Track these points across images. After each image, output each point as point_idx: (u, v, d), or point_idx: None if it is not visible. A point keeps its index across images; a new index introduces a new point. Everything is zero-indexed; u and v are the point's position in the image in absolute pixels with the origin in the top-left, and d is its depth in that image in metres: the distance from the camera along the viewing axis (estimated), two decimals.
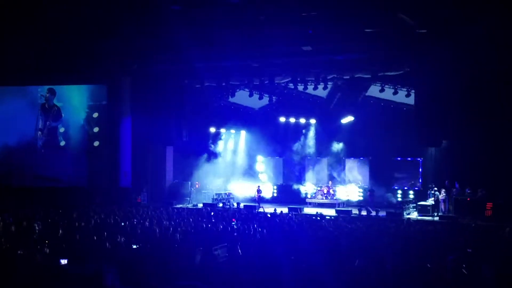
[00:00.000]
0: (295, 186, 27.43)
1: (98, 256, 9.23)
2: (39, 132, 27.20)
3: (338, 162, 27.29)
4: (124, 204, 22.49)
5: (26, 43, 22.34)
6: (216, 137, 29.24)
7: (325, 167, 27.65)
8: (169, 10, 18.55)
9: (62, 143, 27.03)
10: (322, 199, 25.71)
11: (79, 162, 26.73)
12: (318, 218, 18.03)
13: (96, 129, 26.63)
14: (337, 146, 26.58)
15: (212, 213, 18.66)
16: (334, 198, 25.50)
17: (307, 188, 26.77)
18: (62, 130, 27.05)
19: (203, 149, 28.30)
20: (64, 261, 8.83)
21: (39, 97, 27.26)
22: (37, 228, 13.73)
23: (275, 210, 20.69)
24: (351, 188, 26.20)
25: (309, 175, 28.09)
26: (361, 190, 26.13)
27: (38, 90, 27.31)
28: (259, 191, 25.99)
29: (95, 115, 26.66)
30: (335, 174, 27.10)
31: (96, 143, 26.57)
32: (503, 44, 18.36)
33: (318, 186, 26.58)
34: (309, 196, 26.53)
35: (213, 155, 28.46)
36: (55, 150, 27.08)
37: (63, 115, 26.98)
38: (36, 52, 23.32)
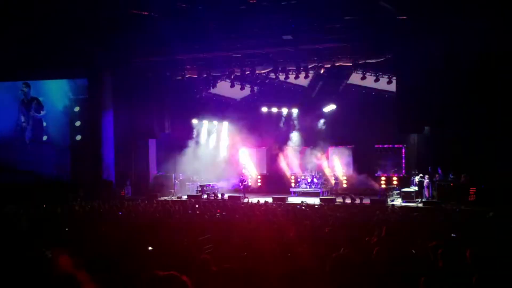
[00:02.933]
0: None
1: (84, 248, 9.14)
2: (21, 127, 26.96)
3: (321, 151, 27.36)
4: (108, 197, 22.40)
5: (5, 37, 22.01)
6: (199, 128, 29.19)
7: (308, 156, 27.71)
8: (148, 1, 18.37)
9: (45, 138, 26.84)
10: (306, 188, 25.81)
11: (62, 156, 26.57)
12: (303, 207, 18.05)
13: (78, 123, 26.47)
14: (320, 135, 26.62)
15: (197, 205, 18.60)
16: (319, 187, 25.59)
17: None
18: (44, 124, 26.84)
19: (186, 141, 28.22)
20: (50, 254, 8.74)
21: (19, 92, 27.02)
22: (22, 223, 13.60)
23: (258, 201, 20.72)
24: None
25: (292, 164, 28.17)
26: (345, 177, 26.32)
27: (18, 85, 27.06)
28: (243, 180, 25.98)
29: (77, 109, 26.49)
30: (318, 163, 27.15)
31: (78, 137, 26.41)
32: (485, 29, 18.45)
33: (302, 175, 26.65)
34: (293, 185, 26.61)
35: (196, 147, 28.39)
36: (38, 144, 26.90)
37: (44, 109, 26.75)
38: (17, 47, 22.99)
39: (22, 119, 27.04)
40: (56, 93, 26.68)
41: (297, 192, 25.85)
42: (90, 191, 23.61)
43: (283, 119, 28.20)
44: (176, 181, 26.96)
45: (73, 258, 5.83)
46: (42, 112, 26.78)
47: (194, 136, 28.78)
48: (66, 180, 26.08)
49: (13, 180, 25.98)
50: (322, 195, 24.50)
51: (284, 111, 28.12)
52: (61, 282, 4.55)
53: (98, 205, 18.36)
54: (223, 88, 26.53)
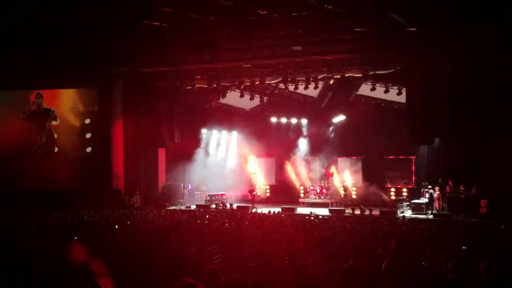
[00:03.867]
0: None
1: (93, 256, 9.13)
2: (33, 137, 27.10)
3: (330, 161, 27.28)
4: (117, 206, 22.47)
5: (17, 47, 22.21)
6: (208, 138, 29.22)
7: (318, 166, 27.63)
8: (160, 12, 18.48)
9: (56, 149, 26.96)
10: (315, 198, 25.71)
11: (72, 166, 26.65)
12: (312, 218, 17.98)
13: (88, 135, 26.56)
14: (329, 145, 26.53)
15: (206, 215, 18.57)
16: (328, 197, 25.49)
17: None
18: (55, 136, 26.99)
19: (195, 150, 28.24)
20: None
21: (32, 103, 27.17)
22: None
23: (269, 211, 20.67)
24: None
25: (301, 175, 28.11)
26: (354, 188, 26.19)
27: (30, 95, 27.25)
28: (251, 190, 25.92)
29: (87, 121, 26.57)
30: (327, 173, 27.06)
31: (89, 149, 26.50)
32: (495, 42, 18.40)
33: (312, 186, 26.56)
34: (302, 196, 26.51)
35: (205, 157, 28.40)
36: (49, 155, 27.01)
37: (57, 119, 26.90)
38: (28, 56, 23.17)
39: (34, 129, 27.16)
40: (67, 106, 26.82)
41: (306, 202, 25.75)
42: (100, 200, 23.69)
43: (292, 129, 28.15)
44: (185, 191, 26.97)
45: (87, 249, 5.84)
46: (55, 123, 26.91)
47: (203, 145, 28.79)
48: (76, 189, 26.15)
49: (22, 188, 26.15)
50: (331, 206, 24.40)
51: (294, 121, 28.09)
52: (77, 272, 4.56)
53: (107, 214, 18.39)
54: (233, 98, 26.54)
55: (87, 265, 4.58)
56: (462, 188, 21.16)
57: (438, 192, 21.65)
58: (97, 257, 4.86)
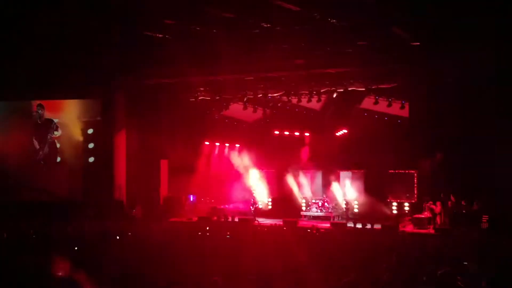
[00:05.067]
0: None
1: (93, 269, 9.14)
2: (34, 148, 27.14)
3: (332, 175, 27.25)
4: (118, 218, 22.50)
5: (19, 57, 22.31)
6: (211, 150, 29.27)
7: (320, 180, 27.63)
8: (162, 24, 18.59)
9: (58, 159, 26.98)
10: (317, 212, 25.66)
11: (74, 177, 26.67)
12: (314, 231, 17.95)
13: (91, 145, 26.58)
14: (331, 159, 26.51)
15: (208, 228, 18.55)
16: (329, 211, 25.42)
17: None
18: (58, 146, 27.02)
19: (198, 162, 28.28)
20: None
21: (33, 113, 27.22)
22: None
23: (273, 224, 20.71)
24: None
25: (303, 188, 28.12)
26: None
27: (32, 106, 27.30)
28: (254, 203, 25.86)
29: (90, 131, 26.59)
30: (329, 187, 27.02)
31: (91, 159, 26.52)
32: (497, 57, 18.47)
33: (313, 200, 26.51)
34: (303, 209, 26.44)
35: (207, 169, 28.42)
36: (51, 165, 27.03)
37: (59, 130, 26.94)
38: (30, 66, 23.25)
39: (36, 140, 27.21)
40: (71, 116, 26.85)
41: (307, 216, 25.70)
42: (101, 211, 23.70)
43: (295, 142, 28.15)
44: (187, 202, 26.96)
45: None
46: (57, 133, 26.95)
47: (205, 157, 28.81)
48: (78, 199, 26.16)
49: (24, 198, 26.17)
50: (333, 220, 24.36)
51: (296, 134, 28.11)
52: (62, 284, 4.62)
53: (108, 225, 18.39)
54: (236, 110, 26.60)
55: (72, 278, 4.66)
56: (464, 203, 21.11)
57: (440, 207, 21.61)
58: (81, 270, 4.93)
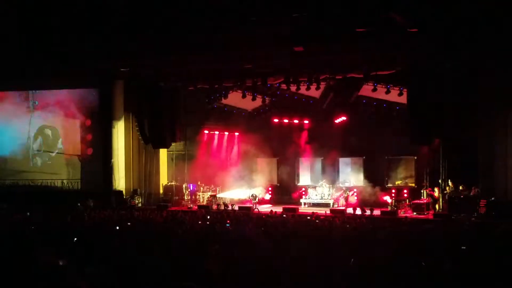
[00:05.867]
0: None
1: (95, 258, 9.19)
2: (32, 137, 27.18)
3: (331, 162, 27.34)
4: (118, 207, 22.59)
5: (15, 46, 22.20)
6: (210, 138, 29.29)
7: (319, 167, 27.73)
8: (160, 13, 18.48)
9: (56, 150, 27.00)
10: (317, 199, 25.72)
11: (73, 167, 26.75)
12: (314, 218, 18.01)
13: (89, 136, 26.59)
14: (331, 146, 26.55)
15: (208, 217, 18.60)
16: (329, 197, 25.47)
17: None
18: (55, 137, 27.05)
19: (197, 151, 28.35)
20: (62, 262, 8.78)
21: (31, 103, 27.21)
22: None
23: (271, 211, 20.75)
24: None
25: (303, 175, 28.23)
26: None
27: (30, 96, 27.28)
28: (254, 197, 25.76)
29: (88, 122, 26.60)
30: (329, 174, 27.11)
31: (90, 151, 26.55)
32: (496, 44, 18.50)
33: (313, 186, 26.56)
34: (303, 196, 26.44)
35: (207, 157, 28.46)
36: (48, 155, 27.08)
37: (56, 122, 26.97)
38: (25, 55, 23.16)
39: (32, 130, 27.25)
40: (69, 105, 26.86)
41: (307, 203, 25.79)
42: (100, 201, 23.77)
43: (294, 129, 28.17)
44: (187, 191, 27.05)
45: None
46: (53, 126, 27.00)
47: (205, 146, 28.85)
48: (77, 189, 26.29)
49: (24, 189, 26.29)
50: (333, 206, 24.44)
51: (295, 122, 28.12)
52: (47, 272, 4.67)
53: (108, 214, 18.44)
54: (235, 98, 26.58)
55: (58, 266, 4.70)
56: (462, 188, 21.21)
57: (438, 192, 21.75)
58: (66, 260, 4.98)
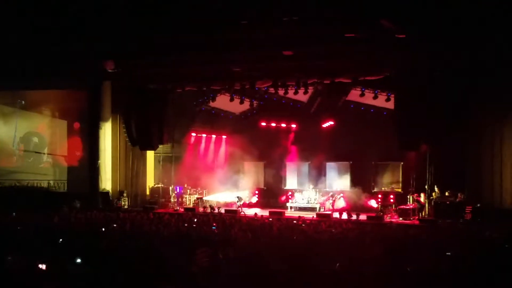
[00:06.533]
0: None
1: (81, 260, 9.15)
2: (18, 139, 27.02)
3: (318, 166, 27.39)
4: (104, 208, 22.51)
5: (3, 45, 22.02)
6: (197, 141, 29.25)
7: (306, 171, 27.78)
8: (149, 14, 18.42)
9: (43, 150, 26.85)
10: (303, 203, 25.72)
11: (60, 168, 26.61)
12: (300, 222, 18.05)
13: (76, 137, 26.44)
14: (318, 150, 26.58)
15: (196, 220, 18.56)
16: (316, 202, 25.50)
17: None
18: (41, 138, 26.90)
19: (184, 153, 28.30)
20: (42, 266, 8.73)
21: (18, 103, 27.03)
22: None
23: (255, 214, 20.77)
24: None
25: (290, 179, 28.27)
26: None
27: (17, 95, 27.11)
28: (239, 199, 25.74)
29: (76, 123, 26.46)
30: (315, 178, 27.14)
31: (77, 152, 26.39)
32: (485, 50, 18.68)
33: (300, 190, 26.60)
34: (290, 200, 26.43)
35: (194, 160, 28.41)
36: (36, 156, 26.94)
37: (42, 122, 26.84)
38: (14, 56, 22.98)
39: (19, 130, 27.11)
40: (56, 106, 26.74)
41: (294, 207, 25.78)
42: (87, 202, 23.66)
43: (282, 133, 28.18)
44: (173, 194, 26.97)
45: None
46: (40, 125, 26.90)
47: (192, 148, 28.81)
48: (63, 191, 26.14)
49: (9, 190, 26.09)
50: (319, 210, 24.47)
51: (283, 125, 28.14)
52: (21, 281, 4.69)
53: (94, 216, 18.36)
54: (223, 101, 26.56)
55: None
56: (448, 195, 21.34)
57: (424, 198, 21.88)
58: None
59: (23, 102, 26.98)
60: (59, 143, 26.75)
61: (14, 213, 18.83)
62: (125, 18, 19.38)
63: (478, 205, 20.30)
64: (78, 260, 9.09)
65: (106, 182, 25.69)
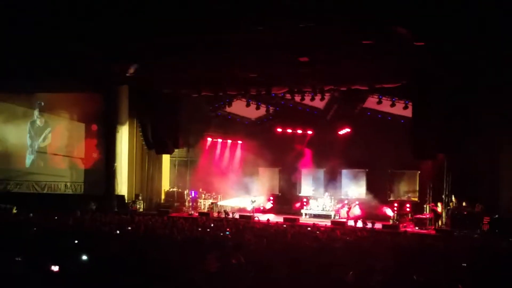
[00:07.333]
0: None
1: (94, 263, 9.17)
2: (35, 141, 27.27)
3: (334, 173, 27.27)
4: (119, 211, 22.65)
5: (20, 48, 22.19)
6: (213, 146, 29.28)
7: (321, 178, 27.67)
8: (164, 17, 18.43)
9: (60, 152, 27.03)
10: (318, 210, 25.60)
11: (76, 170, 26.78)
12: (314, 229, 17.93)
13: (93, 140, 26.61)
14: (334, 157, 26.44)
15: (208, 223, 18.55)
16: (330, 209, 25.35)
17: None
18: (58, 140, 27.12)
19: (200, 158, 28.36)
20: (55, 268, 8.76)
21: (36, 104, 27.27)
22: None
23: (268, 220, 20.76)
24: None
25: (305, 185, 28.16)
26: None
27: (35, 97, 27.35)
28: (253, 201, 25.73)
29: (94, 126, 26.63)
30: (331, 185, 27.02)
31: (94, 155, 26.56)
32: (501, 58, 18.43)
33: (315, 197, 26.49)
34: (305, 207, 26.31)
35: (209, 164, 28.45)
36: (52, 158, 27.15)
37: (60, 124, 27.04)
38: (31, 58, 23.16)
39: (34, 133, 27.36)
40: (73, 109, 26.94)
41: (308, 213, 25.68)
42: (102, 205, 23.80)
43: (297, 140, 28.10)
44: (188, 198, 27.03)
45: None
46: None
47: (207, 153, 28.86)
48: (79, 193, 26.33)
49: (26, 191, 26.38)
50: (334, 218, 24.33)
51: (299, 132, 28.07)
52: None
53: (109, 218, 18.43)
54: (239, 106, 26.58)
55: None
56: (466, 205, 21.08)
57: (441, 208, 21.65)
58: None
59: (42, 103, 27.19)
60: (76, 145, 26.88)
61: (31, 214, 18.97)
62: (142, 21, 19.40)
63: (496, 216, 20.01)
64: (85, 257, 9.12)
65: (122, 185, 25.82)
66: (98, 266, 8.15)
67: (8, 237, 12.33)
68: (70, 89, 26.50)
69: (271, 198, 28.08)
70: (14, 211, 22.00)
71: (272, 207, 27.62)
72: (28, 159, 27.32)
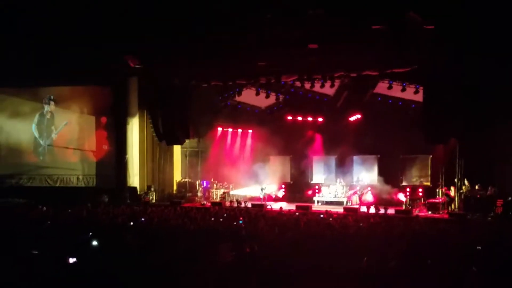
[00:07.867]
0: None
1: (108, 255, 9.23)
2: (46, 134, 27.42)
3: (345, 160, 27.20)
4: (132, 203, 22.78)
5: (29, 42, 22.24)
6: (223, 136, 29.30)
7: (333, 165, 27.62)
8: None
9: (71, 146, 27.18)
10: (330, 197, 25.59)
11: (88, 163, 26.94)
12: (326, 216, 17.92)
13: (104, 133, 26.73)
14: (345, 144, 26.37)
15: (220, 213, 18.59)
16: (343, 196, 25.33)
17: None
18: (69, 133, 27.24)
19: (211, 148, 28.39)
20: (72, 260, 8.82)
21: (47, 98, 27.40)
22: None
23: (280, 208, 20.76)
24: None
25: (316, 173, 28.13)
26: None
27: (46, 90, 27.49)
28: (264, 192, 25.76)
29: (103, 119, 26.74)
30: (342, 172, 26.96)
31: (105, 147, 26.69)
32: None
33: (326, 184, 26.47)
34: (317, 194, 26.30)
35: (220, 154, 28.50)
36: (64, 152, 27.31)
37: (71, 118, 27.15)
38: (40, 52, 23.22)
39: (47, 125, 27.51)
40: (83, 103, 27.03)
41: (320, 201, 25.68)
42: (115, 197, 23.94)
43: (308, 127, 28.04)
44: (200, 188, 27.11)
45: None
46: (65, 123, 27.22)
47: (218, 143, 28.89)
48: (92, 185, 26.49)
49: (38, 184, 26.61)
50: (346, 205, 24.31)
51: (309, 119, 28.00)
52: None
53: (122, 210, 18.54)
54: (248, 95, 26.53)
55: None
56: (478, 188, 20.96)
57: (453, 192, 21.55)
58: None
59: (52, 97, 27.31)
60: (87, 138, 27.01)
61: (44, 208, 19.13)
62: (150, 14, 19.40)
63: (510, 198, 19.89)
64: (95, 243, 9.20)
65: (134, 177, 25.97)
66: (112, 258, 8.21)
67: (24, 231, 12.43)
68: (80, 83, 26.58)
69: (283, 186, 28.08)
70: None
71: (284, 195, 27.63)
72: (40, 153, 27.49)
